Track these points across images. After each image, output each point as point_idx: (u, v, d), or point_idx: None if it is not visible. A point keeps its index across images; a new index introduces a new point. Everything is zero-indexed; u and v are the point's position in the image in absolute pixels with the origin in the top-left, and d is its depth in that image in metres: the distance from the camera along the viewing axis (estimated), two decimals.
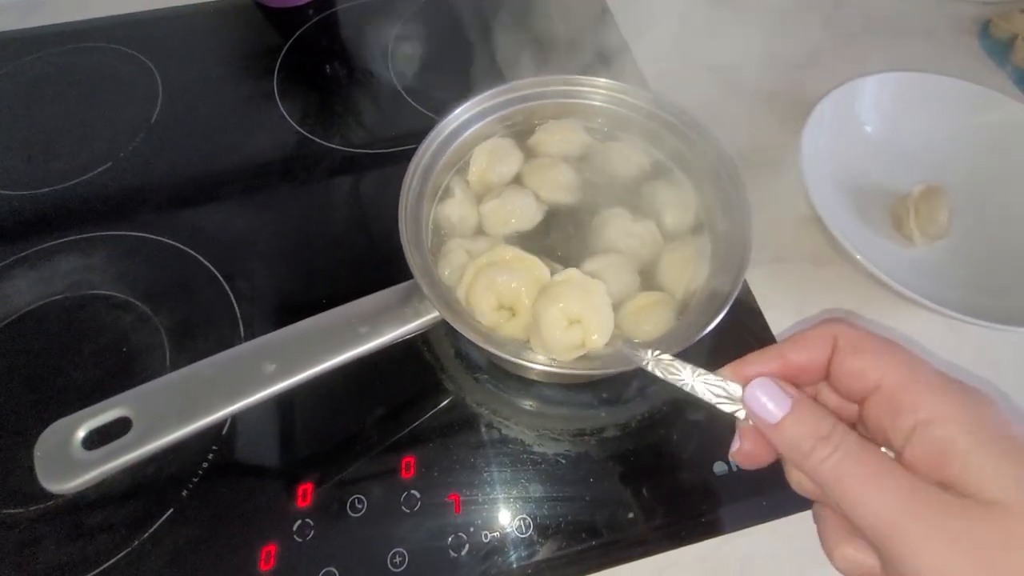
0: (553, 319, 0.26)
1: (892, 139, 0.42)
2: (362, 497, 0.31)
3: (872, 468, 0.16)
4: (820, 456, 0.17)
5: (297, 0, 0.51)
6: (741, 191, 0.30)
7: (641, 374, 0.24)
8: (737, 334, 0.37)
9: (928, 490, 0.16)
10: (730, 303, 0.27)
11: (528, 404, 0.34)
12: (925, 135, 0.42)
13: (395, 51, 0.50)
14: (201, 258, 0.38)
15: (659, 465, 0.33)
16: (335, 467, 0.32)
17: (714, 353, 0.36)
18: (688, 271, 0.30)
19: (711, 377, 0.20)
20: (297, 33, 0.51)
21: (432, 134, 0.32)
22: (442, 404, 0.34)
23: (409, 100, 0.47)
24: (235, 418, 0.33)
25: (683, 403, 0.34)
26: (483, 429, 0.34)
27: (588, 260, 0.30)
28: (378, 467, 0.32)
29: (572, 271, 0.27)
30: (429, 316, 0.26)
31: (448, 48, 0.50)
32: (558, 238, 0.33)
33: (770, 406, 0.18)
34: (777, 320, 0.38)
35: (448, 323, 0.25)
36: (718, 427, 0.33)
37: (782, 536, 0.31)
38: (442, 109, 0.33)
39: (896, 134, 0.42)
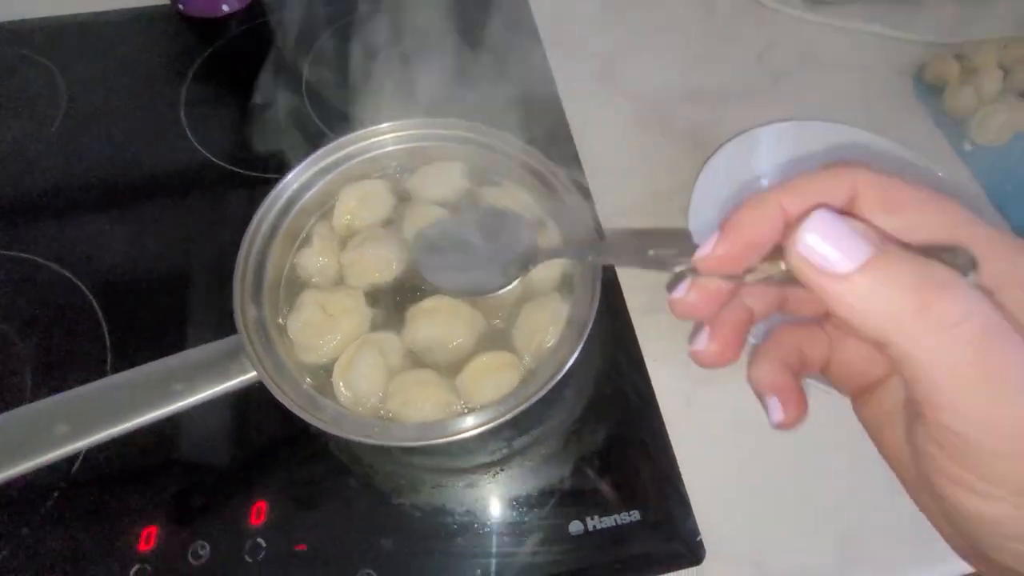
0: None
1: None
2: (205, 544, 0.31)
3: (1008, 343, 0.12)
4: (966, 329, 0.12)
5: (217, 11, 0.50)
6: (596, 260, 0.29)
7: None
8: (617, 386, 0.37)
9: None
10: (565, 369, 0.27)
11: (391, 454, 0.34)
12: None
13: (312, 72, 0.49)
14: (76, 281, 0.38)
15: (515, 521, 0.32)
16: (185, 510, 0.32)
17: (591, 409, 0.36)
18: (540, 335, 0.30)
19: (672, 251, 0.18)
20: (214, 45, 0.50)
21: (292, 175, 0.31)
22: (305, 450, 0.33)
23: (319, 124, 0.46)
24: (86, 455, 0.32)
25: (545, 459, 0.34)
26: (344, 478, 0.33)
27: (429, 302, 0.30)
28: (228, 512, 0.31)
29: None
30: (251, 375, 0.25)
31: (364, 74, 0.49)
32: (426, 286, 0.32)
33: (847, 254, 0.13)
34: (657, 371, 0.37)
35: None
36: (575, 486, 0.33)
37: None
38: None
39: None
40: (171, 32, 0.51)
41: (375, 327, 0.30)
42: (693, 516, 0.33)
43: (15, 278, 0.38)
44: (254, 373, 0.25)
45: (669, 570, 0.31)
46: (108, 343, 0.36)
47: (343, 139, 0.33)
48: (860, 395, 0.19)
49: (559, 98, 0.48)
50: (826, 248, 0.13)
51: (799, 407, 0.18)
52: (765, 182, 0.41)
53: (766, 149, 0.40)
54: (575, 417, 0.35)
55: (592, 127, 0.47)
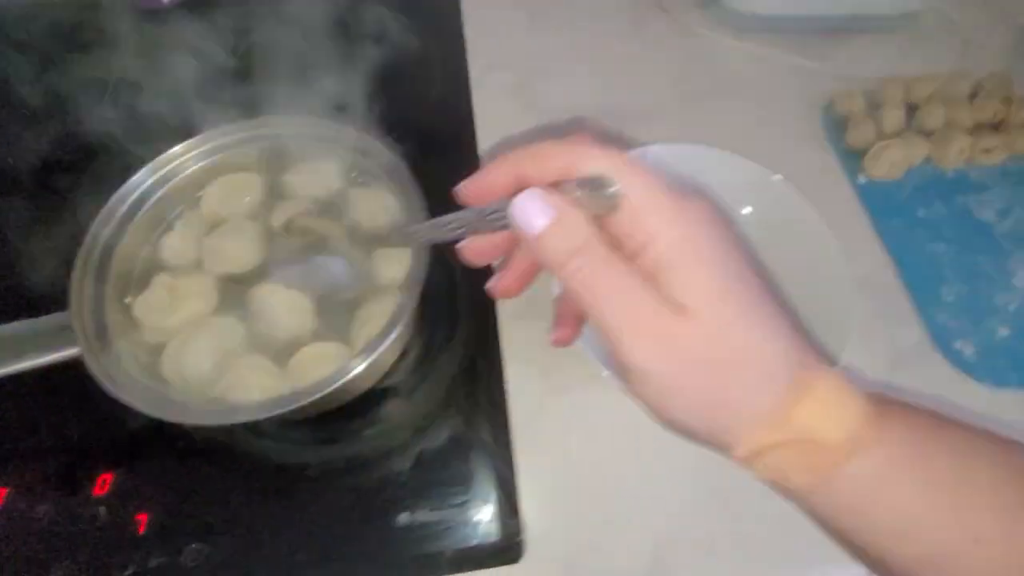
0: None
1: None
2: (48, 507, 0.33)
3: (610, 281, 0.19)
4: (572, 268, 0.19)
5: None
6: (415, 239, 0.31)
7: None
8: (472, 387, 0.38)
9: (649, 302, 0.19)
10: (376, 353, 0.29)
11: (234, 433, 0.35)
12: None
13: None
14: None
15: (345, 506, 0.34)
16: (31, 472, 0.34)
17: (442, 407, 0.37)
18: (371, 327, 0.31)
19: (447, 217, 0.23)
20: None
21: (159, 160, 0.33)
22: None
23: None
24: None
25: (387, 452, 0.36)
26: (193, 458, 0.35)
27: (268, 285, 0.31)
28: (70, 478, 0.33)
29: None
30: (74, 350, 0.27)
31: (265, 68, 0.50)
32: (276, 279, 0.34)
33: (533, 217, 0.19)
34: (515, 376, 0.39)
35: None
36: (410, 480, 0.35)
37: None
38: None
39: None
40: None
41: (220, 313, 0.32)
42: (519, 518, 0.34)
43: None
44: (77, 348, 0.27)
45: (486, 566, 0.33)
46: None
47: (218, 129, 0.35)
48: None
49: (472, 108, 0.50)
50: (526, 214, 0.19)
51: (574, 330, 0.25)
52: None
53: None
54: (423, 413, 0.37)
55: (498, 139, 0.49)
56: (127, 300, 0.31)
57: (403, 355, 0.37)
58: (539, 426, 0.37)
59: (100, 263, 0.30)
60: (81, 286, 0.28)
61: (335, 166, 0.37)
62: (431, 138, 0.48)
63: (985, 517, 0.17)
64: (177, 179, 0.33)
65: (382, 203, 0.36)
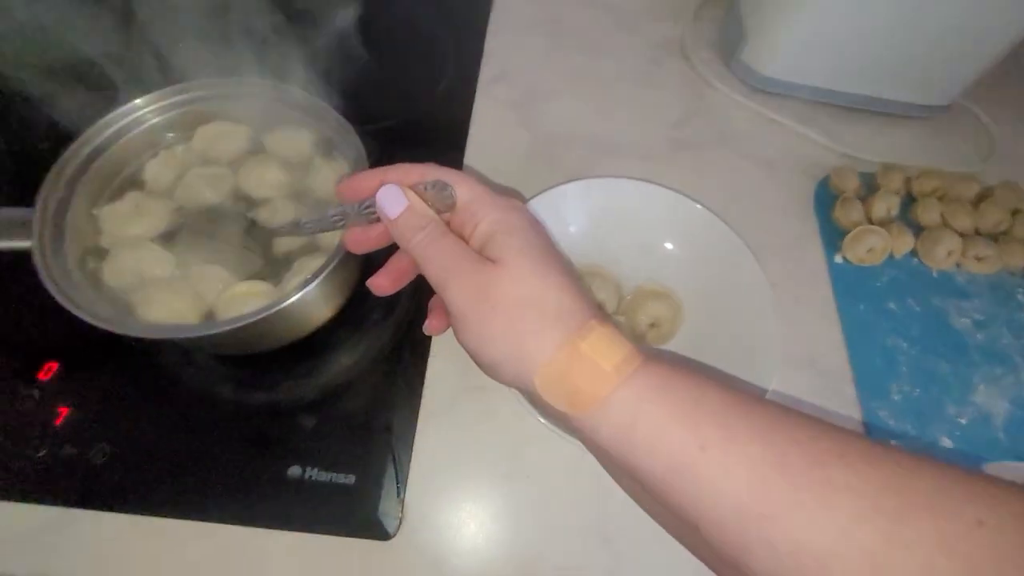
0: None
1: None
2: None
3: (442, 246, 0.25)
4: (416, 240, 0.25)
5: None
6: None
7: None
8: (393, 370, 0.40)
9: (470, 258, 0.25)
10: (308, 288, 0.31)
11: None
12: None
13: None
14: None
15: (249, 442, 0.36)
16: None
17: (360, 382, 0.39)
18: (302, 276, 0.33)
19: (331, 210, 0.29)
20: None
21: (163, 92, 0.37)
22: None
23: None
24: None
25: (301, 405, 0.38)
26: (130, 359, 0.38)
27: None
28: (23, 358, 0.37)
29: None
30: (26, 243, 0.30)
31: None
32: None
33: (392, 205, 0.26)
34: (437, 367, 0.40)
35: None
36: (310, 437, 0.36)
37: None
38: None
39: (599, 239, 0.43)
40: None
41: (168, 239, 0.35)
42: (402, 500, 0.35)
43: None
44: (29, 243, 0.30)
45: (357, 536, 0.34)
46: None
47: (224, 80, 0.38)
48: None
49: (471, 112, 0.52)
50: (385, 204, 0.26)
51: (442, 321, 0.30)
52: (572, 228, 0.43)
53: (588, 200, 0.43)
54: (339, 383, 0.39)
55: (487, 146, 0.51)
56: (94, 211, 0.35)
57: (334, 318, 0.39)
58: (446, 420, 0.38)
59: (79, 171, 0.33)
60: (53, 187, 0.32)
61: (309, 137, 0.39)
62: (424, 128, 0.51)
63: (711, 431, 0.21)
64: (176, 112, 0.37)
65: (341, 174, 0.38)
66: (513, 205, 0.26)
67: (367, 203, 0.27)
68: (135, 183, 0.37)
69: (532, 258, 0.24)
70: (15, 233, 0.30)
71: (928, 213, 0.48)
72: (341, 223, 0.29)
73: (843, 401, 0.42)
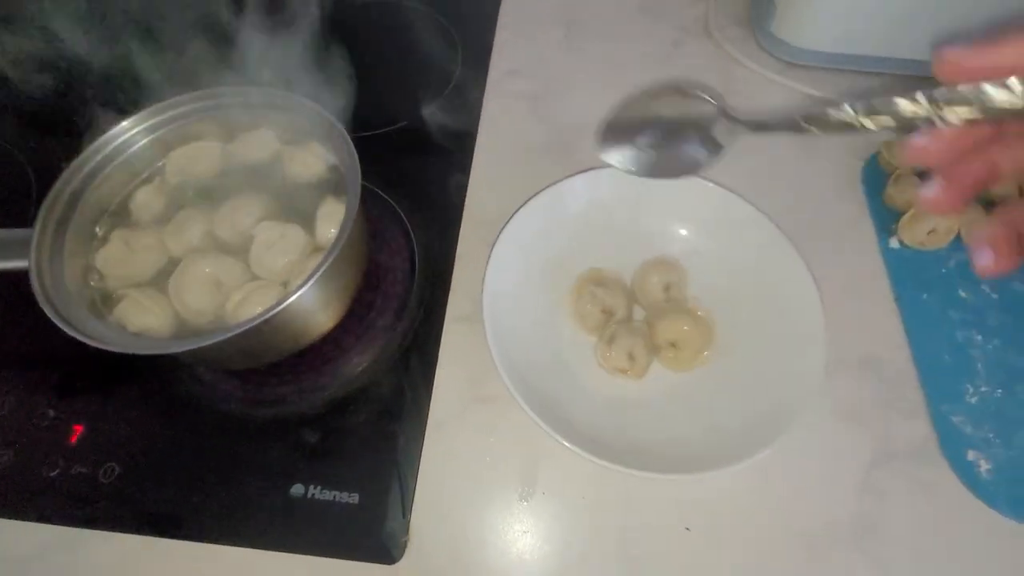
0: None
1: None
2: (12, 399, 0.37)
3: None
4: None
5: None
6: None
7: None
8: (400, 381, 0.38)
9: None
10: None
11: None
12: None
13: None
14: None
15: (252, 459, 0.35)
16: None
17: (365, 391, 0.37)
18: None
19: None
20: None
21: (149, 111, 0.36)
22: None
23: None
24: None
25: (301, 419, 0.36)
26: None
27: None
28: (40, 377, 0.37)
29: None
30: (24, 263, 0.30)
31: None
32: None
33: None
34: (444, 379, 0.38)
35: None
36: (314, 453, 0.35)
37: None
38: None
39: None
40: None
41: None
42: (408, 520, 0.33)
43: None
44: (26, 263, 0.30)
45: (361, 560, 0.32)
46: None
47: (185, 97, 0.37)
48: None
49: (480, 109, 0.50)
50: None
51: (1010, 259, 0.20)
52: (580, 222, 0.39)
53: (598, 191, 0.40)
54: (343, 395, 0.37)
55: (497, 138, 0.48)
56: (97, 229, 0.35)
57: (338, 326, 0.37)
58: (453, 432, 0.36)
59: (77, 191, 0.34)
60: (51, 208, 0.32)
61: (272, 131, 0.38)
62: (432, 127, 0.49)
63: None
64: (160, 132, 0.37)
65: (315, 155, 0.37)
66: None
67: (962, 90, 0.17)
68: (124, 212, 0.37)
69: None
70: (13, 253, 0.30)
71: (1001, 185, 0.42)
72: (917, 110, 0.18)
73: (908, 407, 0.36)
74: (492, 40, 0.55)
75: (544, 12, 0.57)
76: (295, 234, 0.34)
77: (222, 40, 0.40)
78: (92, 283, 0.33)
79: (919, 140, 0.19)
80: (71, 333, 0.28)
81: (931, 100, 0.18)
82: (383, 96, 0.51)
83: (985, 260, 0.21)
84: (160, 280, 0.34)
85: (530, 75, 0.53)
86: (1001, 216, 0.21)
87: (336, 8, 0.51)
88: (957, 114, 0.17)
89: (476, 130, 0.49)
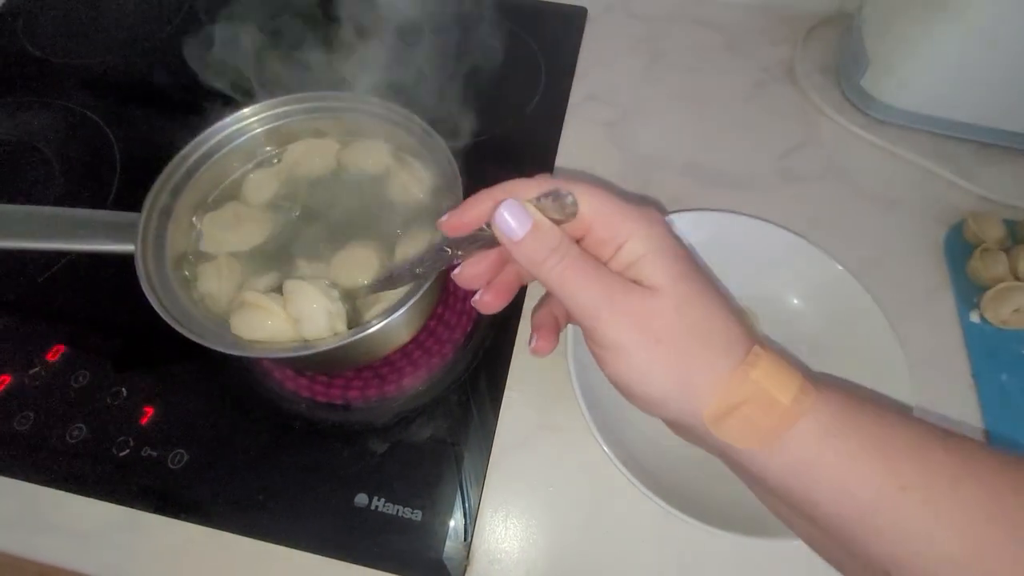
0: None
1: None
2: (87, 372, 0.37)
3: (585, 270, 0.22)
4: (551, 264, 0.22)
5: None
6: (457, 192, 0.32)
7: None
8: (468, 402, 0.38)
9: (620, 283, 0.22)
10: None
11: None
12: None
13: None
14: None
15: (315, 468, 0.35)
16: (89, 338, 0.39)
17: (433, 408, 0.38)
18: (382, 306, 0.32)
19: (437, 247, 0.26)
20: None
21: (261, 106, 0.37)
22: None
23: None
24: None
25: (368, 430, 0.36)
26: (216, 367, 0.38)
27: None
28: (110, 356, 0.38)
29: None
30: (128, 247, 0.31)
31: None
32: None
33: (514, 225, 0.22)
34: (513, 404, 0.38)
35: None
36: (381, 465, 0.35)
37: None
38: None
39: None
40: None
41: (260, 261, 0.35)
42: (470, 542, 0.33)
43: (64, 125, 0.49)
44: (132, 246, 0.30)
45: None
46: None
47: (304, 95, 0.38)
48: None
49: (560, 132, 0.50)
50: (507, 223, 0.22)
51: (550, 342, 0.26)
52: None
53: (695, 236, 0.39)
54: (412, 408, 0.37)
55: (575, 161, 0.48)
56: (194, 219, 0.35)
57: (411, 340, 0.37)
58: (520, 458, 0.36)
59: (183, 179, 0.34)
60: (157, 197, 0.32)
61: (387, 145, 0.38)
62: (512, 147, 0.49)
63: (908, 468, 0.19)
64: (274, 125, 0.37)
65: (417, 178, 0.37)
66: (654, 217, 0.23)
67: (474, 234, 0.24)
68: (233, 195, 0.37)
69: (693, 282, 0.22)
70: (120, 236, 0.31)
71: None
72: (448, 261, 0.25)
73: None
74: (575, 64, 0.55)
75: (627, 40, 0.57)
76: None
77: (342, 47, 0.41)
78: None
79: (466, 270, 0.25)
80: (168, 321, 0.28)
81: (453, 244, 0.25)
82: (471, 108, 0.51)
83: (533, 344, 0.26)
84: (254, 256, 0.35)
85: (609, 101, 0.53)
86: (544, 308, 0.28)
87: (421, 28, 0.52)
88: (477, 245, 0.24)
89: (555, 151, 0.49)
